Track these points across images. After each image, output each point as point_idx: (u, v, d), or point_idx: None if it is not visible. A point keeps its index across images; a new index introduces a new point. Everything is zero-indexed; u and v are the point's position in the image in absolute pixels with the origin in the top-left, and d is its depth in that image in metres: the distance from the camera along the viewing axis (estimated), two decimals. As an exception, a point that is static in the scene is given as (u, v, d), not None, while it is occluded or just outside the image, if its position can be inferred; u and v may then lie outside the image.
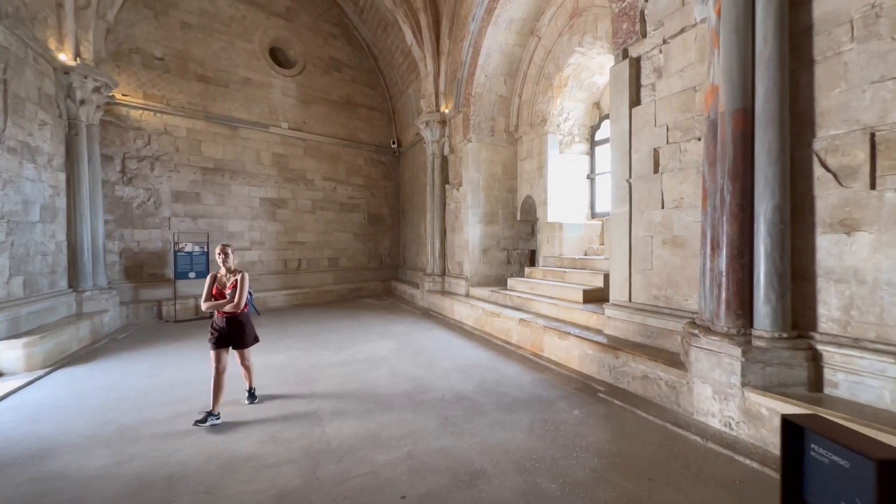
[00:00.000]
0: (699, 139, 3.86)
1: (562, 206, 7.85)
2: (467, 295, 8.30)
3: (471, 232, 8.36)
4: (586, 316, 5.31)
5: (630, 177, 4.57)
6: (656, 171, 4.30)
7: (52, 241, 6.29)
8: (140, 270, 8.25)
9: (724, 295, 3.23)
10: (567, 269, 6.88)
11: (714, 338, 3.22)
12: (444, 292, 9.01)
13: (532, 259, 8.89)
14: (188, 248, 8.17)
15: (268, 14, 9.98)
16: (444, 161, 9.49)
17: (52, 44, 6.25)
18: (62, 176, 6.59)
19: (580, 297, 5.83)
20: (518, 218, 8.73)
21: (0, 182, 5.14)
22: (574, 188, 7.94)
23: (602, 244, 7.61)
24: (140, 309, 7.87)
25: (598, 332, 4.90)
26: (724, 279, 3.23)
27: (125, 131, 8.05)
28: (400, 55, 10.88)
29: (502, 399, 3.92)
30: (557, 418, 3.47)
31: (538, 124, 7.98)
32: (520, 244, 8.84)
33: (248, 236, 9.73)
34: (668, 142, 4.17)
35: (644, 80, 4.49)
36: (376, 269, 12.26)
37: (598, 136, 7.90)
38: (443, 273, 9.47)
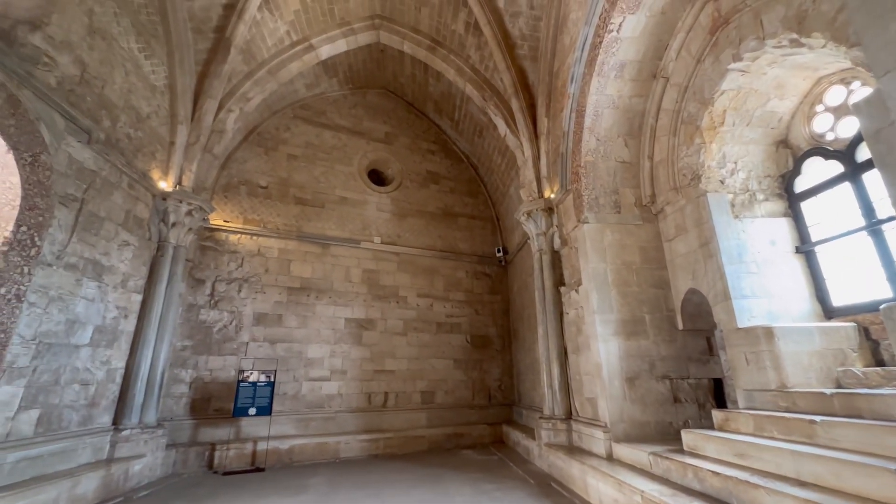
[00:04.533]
0: None
1: (760, 302, 4.66)
2: (609, 457, 5.02)
3: (602, 350, 5.49)
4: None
5: None
6: None
7: (103, 369, 5.64)
8: (207, 404, 7.25)
9: None
10: (817, 417, 3.42)
11: None
12: (572, 449, 5.80)
13: (719, 394, 5.35)
14: (253, 376, 7.01)
15: (368, 140, 10.33)
16: (556, 257, 7.25)
17: (155, 174, 6.63)
18: (137, 298, 6.32)
19: (897, 493, 2.40)
20: (681, 326, 5.60)
21: (45, 299, 4.72)
22: (774, 271, 4.79)
23: (868, 365, 3.98)
24: (190, 455, 6.57)
25: None
26: None
27: (221, 255, 8.06)
28: (498, 155, 9.95)
29: None
30: None
31: (687, 185, 5.46)
32: (690, 369, 5.51)
33: (328, 363, 8.36)
34: None
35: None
36: (483, 407, 9.49)
37: (801, 185, 4.95)
38: (568, 416, 6.36)
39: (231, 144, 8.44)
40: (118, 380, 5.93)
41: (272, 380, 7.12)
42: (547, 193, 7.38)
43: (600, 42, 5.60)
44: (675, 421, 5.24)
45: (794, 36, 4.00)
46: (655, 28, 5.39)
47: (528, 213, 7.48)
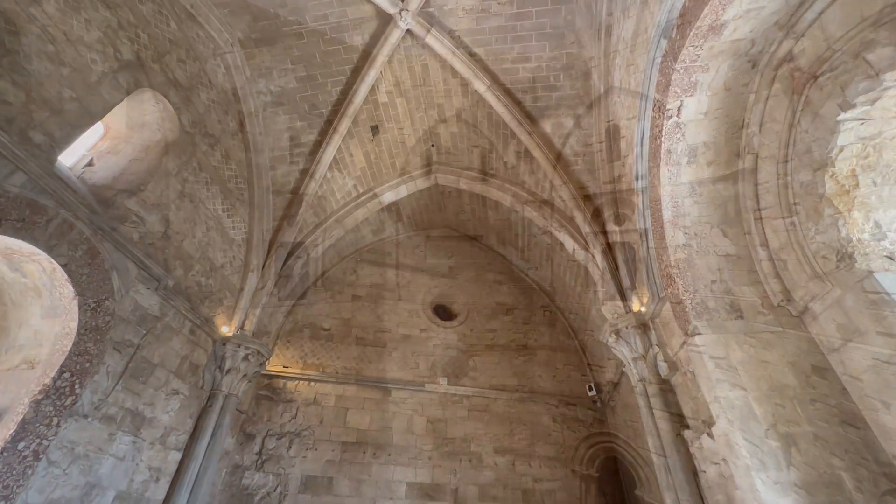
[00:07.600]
0: None
1: None
2: None
3: (784, 537, 3.39)
4: None
5: None
6: None
7: (114, 552, 4.73)
8: None
9: None
10: None
11: None
12: None
13: None
14: (286, 568, 5.50)
15: (432, 276, 10.17)
16: (666, 389, 5.50)
17: (219, 320, 6.72)
18: (175, 456, 5.69)
19: None
20: (915, 491, 3.39)
21: (69, 458, 4.28)
22: None
23: None
24: None
25: None
26: None
27: (276, 405, 7.48)
28: (570, 276, 9.00)
29: None
30: None
31: (835, 269, 4.01)
32: (976, 581, 3.07)
33: (384, 551, 6.50)
34: None
35: None
36: None
37: None
38: None
39: (299, 289, 8.69)
40: (129, 568, 4.91)
41: (309, 574, 5.52)
42: (636, 307, 6.09)
43: (660, 132, 5.09)
44: None
45: (927, 56, 3.10)
46: (722, 105, 4.79)
47: (617, 333, 6.10)
